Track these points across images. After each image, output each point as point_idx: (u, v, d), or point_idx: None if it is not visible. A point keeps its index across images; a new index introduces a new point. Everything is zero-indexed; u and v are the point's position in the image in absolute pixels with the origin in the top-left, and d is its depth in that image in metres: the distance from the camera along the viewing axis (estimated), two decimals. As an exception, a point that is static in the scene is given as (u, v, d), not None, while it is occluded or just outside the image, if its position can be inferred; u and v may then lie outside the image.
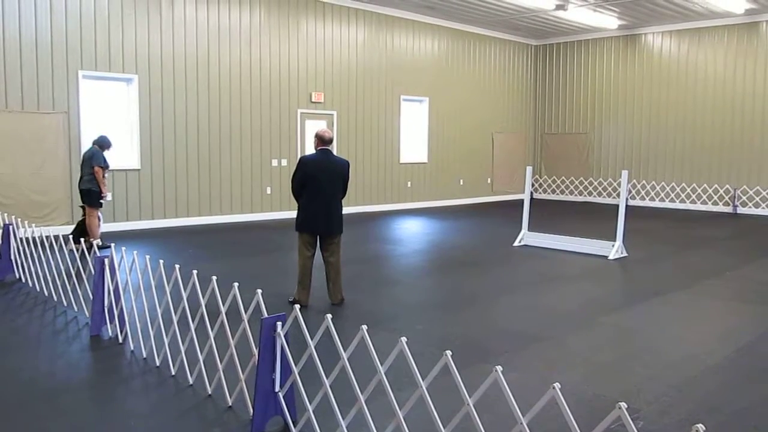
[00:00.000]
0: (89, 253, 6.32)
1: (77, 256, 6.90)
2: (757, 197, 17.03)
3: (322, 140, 6.93)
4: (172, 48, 13.01)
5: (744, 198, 17.29)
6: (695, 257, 10.51)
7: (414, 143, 18.06)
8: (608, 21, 17.81)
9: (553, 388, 2.53)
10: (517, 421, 2.70)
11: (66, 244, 7.37)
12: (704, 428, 2.12)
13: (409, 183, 17.81)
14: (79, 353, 5.42)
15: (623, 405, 2.30)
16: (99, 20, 12.02)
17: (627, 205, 10.72)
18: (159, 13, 12.78)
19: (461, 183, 19.30)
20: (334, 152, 7.37)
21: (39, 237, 7.34)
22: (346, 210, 7.37)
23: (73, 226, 10.80)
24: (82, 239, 9.91)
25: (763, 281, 8.75)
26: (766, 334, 6.25)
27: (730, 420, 4.19)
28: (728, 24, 17.23)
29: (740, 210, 17.29)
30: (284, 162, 14.89)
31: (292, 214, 7.53)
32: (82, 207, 10.41)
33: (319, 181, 6.79)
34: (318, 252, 7.02)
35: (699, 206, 18.02)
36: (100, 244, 10.04)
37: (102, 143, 10.27)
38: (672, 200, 18.61)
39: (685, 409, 4.33)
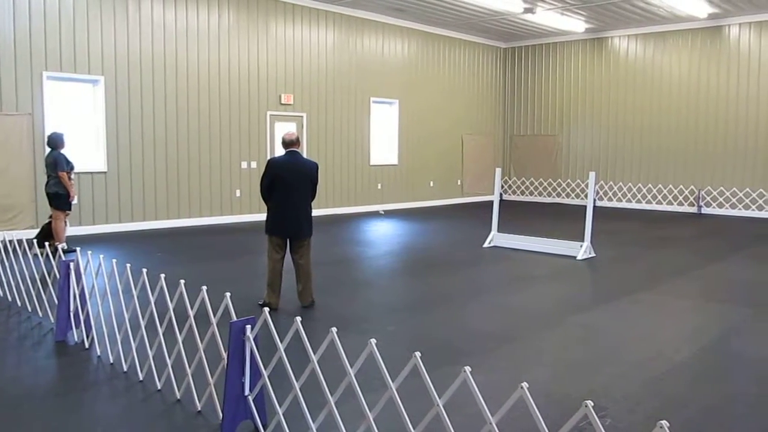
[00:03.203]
0: (54, 257, 6.22)
1: (42, 260, 6.78)
2: (721, 197, 17.36)
3: (284, 143, 6.93)
4: (139, 49, 12.85)
5: (708, 198, 17.61)
6: (662, 257, 10.68)
7: (384, 145, 18.08)
8: (576, 24, 18.02)
9: (521, 387, 2.56)
10: (486, 421, 2.72)
11: (30, 249, 7.24)
12: (668, 424, 2.16)
13: (379, 185, 17.82)
14: (45, 359, 5.33)
15: (590, 403, 2.33)
16: (64, 20, 11.82)
17: (594, 206, 10.85)
18: (126, 14, 12.62)
19: (431, 185, 19.37)
20: (304, 154, 7.34)
21: (2, 241, 7.20)
22: (316, 212, 7.36)
23: (37, 230, 10.60)
24: (46, 243, 9.81)
25: (728, 280, 8.93)
26: (731, 332, 6.38)
27: (695, 416, 4.26)
28: (692, 28, 17.56)
29: (704, 210, 17.61)
30: (254, 164, 14.80)
31: (262, 216, 7.49)
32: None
33: (288, 183, 6.77)
34: (288, 255, 6.99)
35: (665, 207, 18.32)
36: (66, 248, 9.90)
37: (56, 143, 10.08)
38: (638, 201, 18.89)
39: (651, 406, 4.40)
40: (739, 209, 17.06)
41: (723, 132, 17.30)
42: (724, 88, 17.26)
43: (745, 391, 4.74)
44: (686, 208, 17.94)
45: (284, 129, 14.41)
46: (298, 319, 3.48)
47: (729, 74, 17.16)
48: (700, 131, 17.67)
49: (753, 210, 16.85)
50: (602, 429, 2.34)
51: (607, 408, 4.32)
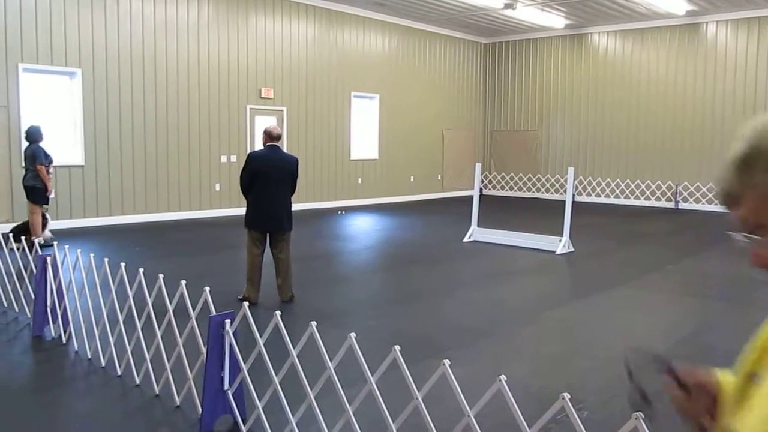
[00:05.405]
0: (31, 252, 6.15)
1: (18, 254, 6.70)
2: (698, 193, 17.58)
3: (270, 136, 6.89)
4: (117, 41, 12.70)
5: (685, 194, 17.82)
6: (639, 251, 10.79)
7: (365, 140, 18.06)
8: (555, 20, 18.12)
9: (500, 380, 2.58)
10: (465, 413, 2.74)
11: (6, 243, 7.15)
12: (643, 416, 2.19)
13: (359, 179, 17.81)
14: (21, 355, 5.27)
15: (566, 395, 2.36)
16: (40, 12, 11.65)
17: (573, 201, 10.94)
18: (103, 6, 12.46)
19: (412, 179, 19.39)
20: (284, 149, 7.33)
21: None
22: (296, 206, 7.34)
23: (13, 224, 10.47)
24: (23, 237, 9.68)
25: (703, 274, 9.06)
26: (705, 325, 6.47)
27: (668, 408, 4.31)
28: (670, 25, 17.73)
29: (681, 206, 17.81)
30: (233, 158, 14.71)
31: (242, 210, 7.46)
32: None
33: (268, 177, 6.75)
34: (267, 249, 6.97)
35: (642, 202, 18.51)
36: (42, 242, 9.78)
37: (35, 136, 9.97)
38: (617, 196, 19.06)
39: (627, 399, 4.44)
40: (716, 204, 17.24)
41: (700, 128, 17.50)
42: (701, 85, 17.45)
43: (719, 384, 4.81)
44: (664, 204, 18.14)
45: (264, 123, 14.32)
46: (278, 313, 3.48)
47: (706, 71, 17.35)
48: (677, 127, 17.86)
49: (728, 205, 17.04)
50: (579, 421, 2.37)
51: (583, 401, 4.37)
